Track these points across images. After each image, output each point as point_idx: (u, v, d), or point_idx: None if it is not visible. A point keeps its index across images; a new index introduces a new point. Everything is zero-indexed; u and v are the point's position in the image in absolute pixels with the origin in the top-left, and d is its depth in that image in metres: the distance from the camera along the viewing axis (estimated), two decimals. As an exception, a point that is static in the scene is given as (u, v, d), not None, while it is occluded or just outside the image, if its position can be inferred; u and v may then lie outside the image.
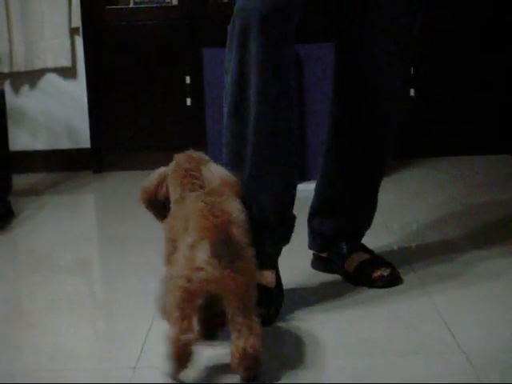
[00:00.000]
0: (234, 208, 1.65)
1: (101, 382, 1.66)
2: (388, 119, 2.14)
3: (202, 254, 1.55)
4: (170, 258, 1.70)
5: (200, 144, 3.99)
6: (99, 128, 4.15)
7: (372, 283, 2.12)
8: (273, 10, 1.83)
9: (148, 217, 3.12)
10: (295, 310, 1.97)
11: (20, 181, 3.82)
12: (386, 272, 2.13)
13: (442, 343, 1.74)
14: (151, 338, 1.86)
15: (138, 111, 4.16)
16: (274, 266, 2.00)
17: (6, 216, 3.15)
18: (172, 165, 1.83)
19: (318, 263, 2.28)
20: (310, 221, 2.25)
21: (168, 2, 4.15)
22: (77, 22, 4.13)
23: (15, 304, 2.24)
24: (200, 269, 1.54)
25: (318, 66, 3.48)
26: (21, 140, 4.17)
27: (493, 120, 4.13)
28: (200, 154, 1.86)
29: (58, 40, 4.13)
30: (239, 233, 1.60)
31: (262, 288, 1.92)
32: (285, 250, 2.03)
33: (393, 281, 2.13)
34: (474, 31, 4.06)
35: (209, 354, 1.72)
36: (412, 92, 3.97)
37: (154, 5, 4.15)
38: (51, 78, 4.22)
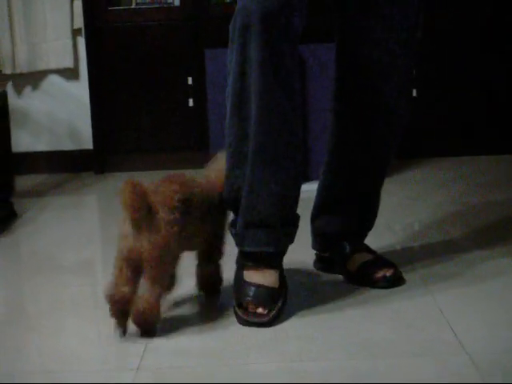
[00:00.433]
0: (175, 192, 1.91)
1: (103, 383, 1.67)
2: (390, 119, 2.13)
3: (126, 226, 1.84)
4: None
5: (202, 145, 4.00)
6: (101, 129, 4.16)
7: (374, 284, 2.12)
8: (273, 9, 1.82)
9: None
10: (297, 310, 1.98)
11: (22, 182, 3.82)
12: (388, 272, 2.13)
13: (444, 343, 1.74)
14: (154, 339, 1.86)
15: (140, 112, 4.16)
16: (278, 266, 2.00)
17: (9, 217, 3.16)
18: None
19: (321, 263, 2.28)
20: (312, 221, 2.25)
21: (170, 3, 4.16)
22: (79, 23, 4.13)
23: (18, 305, 2.25)
24: (125, 237, 1.85)
25: (320, 65, 3.48)
26: (23, 141, 4.18)
27: (494, 120, 4.13)
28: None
29: (61, 41, 4.13)
30: (165, 211, 1.84)
31: (263, 287, 1.92)
32: (288, 249, 2.03)
33: (395, 281, 2.13)
34: (474, 31, 4.06)
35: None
36: (414, 92, 3.97)
37: (156, 6, 4.15)
38: (54, 79, 4.22)
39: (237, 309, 1.93)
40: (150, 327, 1.85)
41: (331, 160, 2.21)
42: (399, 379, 1.58)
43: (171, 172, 2.11)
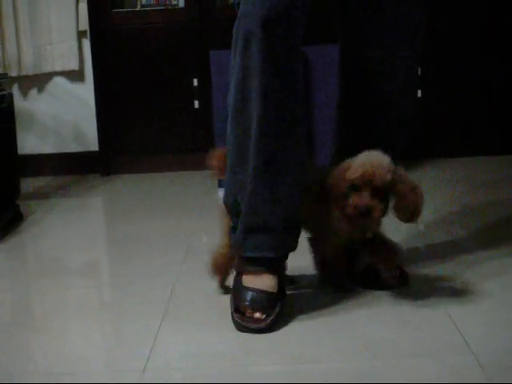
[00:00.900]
0: None
1: (110, 384, 1.67)
2: (391, 119, 2.13)
3: None
4: None
5: (208, 147, 4.01)
6: (107, 131, 4.17)
7: (382, 283, 2.11)
8: (275, 16, 1.81)
9: (156, 219, 3.14)
10: (301, 312, 1.97)
11: (28, 184, 3.83)
12: (394, 273, 2.13)
13: (450, 344, 1.74)
14: (160, 340, 1.86)
15: (145, 114, 4.17)
16: (278, 272, 1.98)
17: (15, 219, 3.16)
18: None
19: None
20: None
21: (175, 5, 4.17)
22: (84, 25, 4.15)
23: (23, 306, 2.25)
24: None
25: (324, 66, 3.48)
26: (29, 143, 4.19)
27: (495, 120, 4.13)
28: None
29: (66, 43, 4.14)
30: None
31: (261, 292, 1.91)
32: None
33: (401, 282, 2.13)
34: (474, 31, 4.06)
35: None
36: (419, 93, 3.97)
37: (161, 7, 4.16)
38: (59, 81, 4.23)
39: (234, 314, 1.91)
40: None
41: (336, 161, 2.21)
42: (405, 379, 1.58)
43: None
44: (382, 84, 2.09)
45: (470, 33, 4.06)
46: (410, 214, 1.88)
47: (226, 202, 2.01)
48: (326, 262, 2.06)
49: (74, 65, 4.17)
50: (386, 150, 2.15)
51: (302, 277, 2.21)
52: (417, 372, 1.62)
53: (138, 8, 4.18)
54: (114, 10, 4.12)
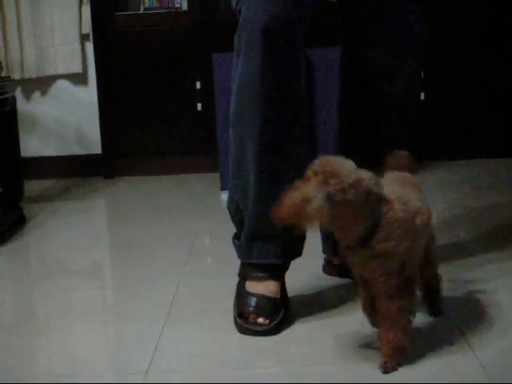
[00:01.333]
0: None
1: (112, 386, 1.67)
2: (391, 120, 2.13)
3: None
4: None
5: (210, 149, 4.01)
6: (110, 133, 4.17)
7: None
8: (276, 24, 1.81)
9: (159, 222, 3.15)
10: (306, 314, 1.97)
11: (31, 187, 3.84)
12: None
13: (454, 346, 1.74)
14: (163, 341, 1.86)
15: (148, 117, 4.17)
16: (281, 278, 1.97)
17: (18, 222, 3.17)
18: None
19: (330, 268, 2.28)
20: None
21: (178, 8, 4.17)
22: (87, 28, 4.15)
23: (27, 309, 2.25)
24: None
25: (327, 69, 3.48)
26: (32, 146, 4.19)
27: (496, 122, 4.13)
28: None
29: (69, 46, 4.15)
30: None
31: (265, 298, 1.91)
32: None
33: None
34: (474, 31, 4.06)
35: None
36: (422, 96, 3.97)
37: (164, 10, 4.16)
38: (62, 84, 4.24)
39: (238, 319, 1.91)
40: None
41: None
42: (404, 379, 1.58)
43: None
44: (382, 84, 2.09)
45: (470, 33, 4.06)
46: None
47: (228, 208, 2.01)
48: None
49: (77, 67, 4.18)
50: (386, 150, 2.15)
51: (302, 277, 2.21)
52: (418, 372, 1.62)
53: (141, 11, 4.19)
54: (117, 13, 4.13)
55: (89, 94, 4.22)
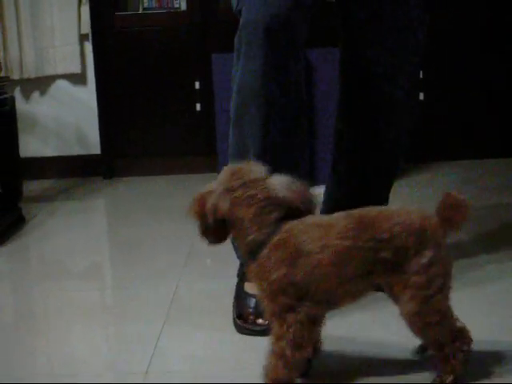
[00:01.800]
0: None
1: (112, 387, 1.67)
2: (392, 119, 2.13)
3: None
4: None
5: (210, 150, 4.01)
6: (109, 134, 4.17)
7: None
8: (277, 24, 1.82)
9: (158, 222, 3.14)
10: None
11: (31, 187, 3.83)
12: None
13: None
14: (162, 342, 1.86)
15: (147, 117, 4.17)
16: None
17: (17, 222, 3.16)
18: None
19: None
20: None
21: (177, 8, 4.17)
22: (86, 28, 4.15)
23: (26, 309, 2.25)
24: None
25: (327, 70, 3.48)
26: (31, 146, 4.19)
27: (497, 123, 4.13)
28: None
29: (68, 46, 4.15)
30: None
31: None
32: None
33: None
34: (474, 31, 4.06)
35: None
36: (421, 96, 3.97)
37: (163, 10, 4.16)
38: (61, 84, 4.24)
39: (237, 319, 1.91)
40: None
41: (338, 164, 2.21)
42: (403, 379, 1.58)
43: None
44: (382, 84, 2.09)
45: (469, 33, 4.06)
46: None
47: None
48: None
49: (76, 68, 4.18)
50: (391, 151, 2.15)
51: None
52: (417, 372, 1.62)
53: (141, 11, 4.19)
54: (116, 13, 4.13)
55: (88, 94, 4.22)
